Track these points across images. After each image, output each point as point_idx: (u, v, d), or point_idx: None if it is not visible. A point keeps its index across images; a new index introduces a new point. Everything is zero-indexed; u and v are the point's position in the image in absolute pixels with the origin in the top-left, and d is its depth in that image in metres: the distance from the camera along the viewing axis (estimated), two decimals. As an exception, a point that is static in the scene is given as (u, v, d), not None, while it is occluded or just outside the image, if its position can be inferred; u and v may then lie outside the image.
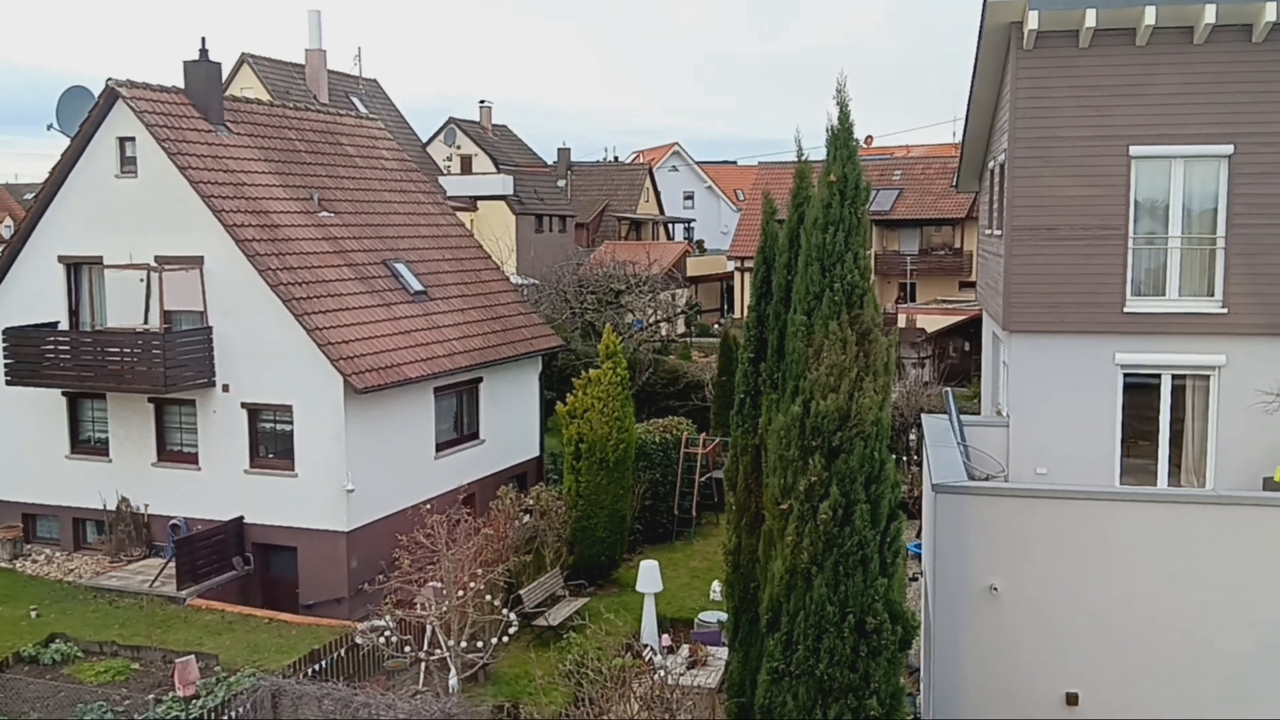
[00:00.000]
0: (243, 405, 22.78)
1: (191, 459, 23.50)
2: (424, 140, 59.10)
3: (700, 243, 73.80)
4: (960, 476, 14.24)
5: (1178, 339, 17.21)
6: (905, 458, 28.10)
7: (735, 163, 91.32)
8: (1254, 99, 16.59)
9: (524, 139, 68.95)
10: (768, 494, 12.66)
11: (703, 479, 27.23)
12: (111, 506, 23.86)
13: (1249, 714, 12.91)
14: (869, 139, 68.38)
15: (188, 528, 22.86)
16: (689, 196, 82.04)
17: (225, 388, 22.85)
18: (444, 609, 17.49)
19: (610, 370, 23.72)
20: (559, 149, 67.07)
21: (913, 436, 27.89)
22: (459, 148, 61.76)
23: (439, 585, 17.73)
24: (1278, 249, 16.70)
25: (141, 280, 23.51)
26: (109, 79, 22.97)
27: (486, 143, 62.56)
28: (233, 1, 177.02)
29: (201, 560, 21.98)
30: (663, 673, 15.42)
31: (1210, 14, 15.93)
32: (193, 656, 17.78)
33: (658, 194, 71.96)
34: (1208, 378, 17.27)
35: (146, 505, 23.75)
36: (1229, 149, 16.74)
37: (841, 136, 12.31)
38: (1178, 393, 17.51)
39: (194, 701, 16.55)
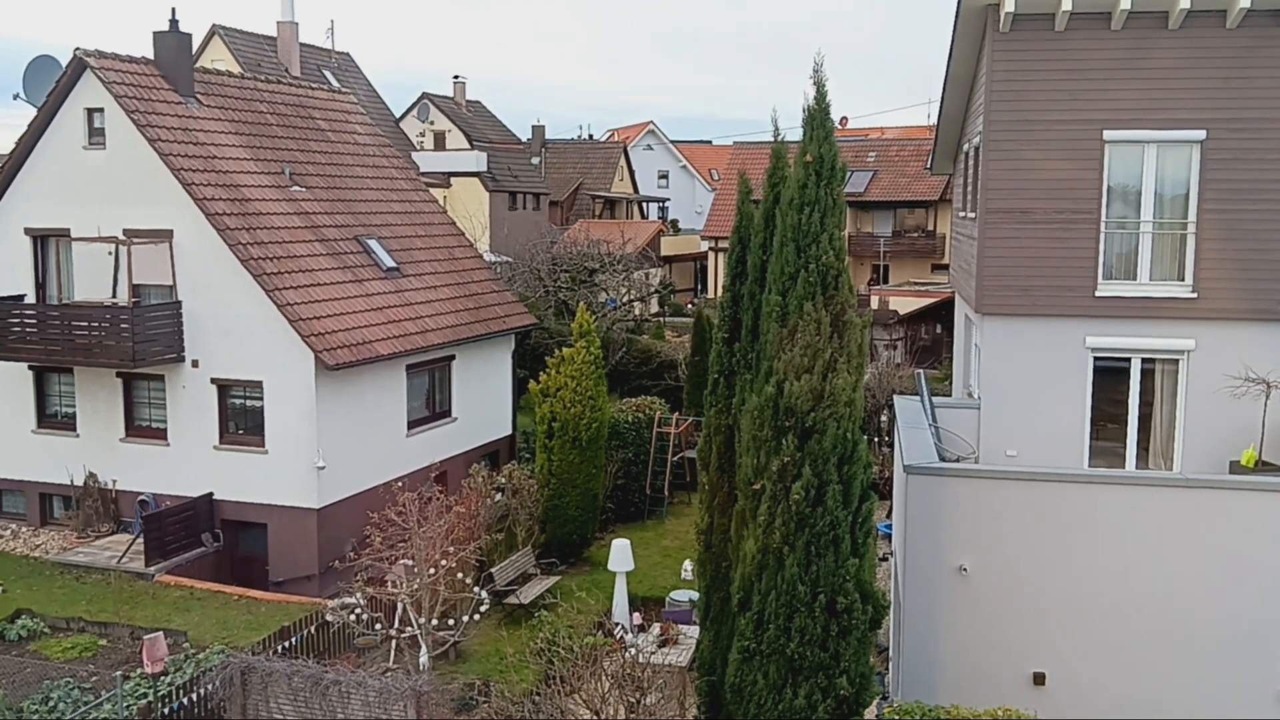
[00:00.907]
0: (212, 381, 22.59)
1: (160, 434, 23.31)
2: (397, 115, 58.60)
3: (675, 222, 73.70)
4: (932, 458, 14.32)
5: (1148, 323, 17.34)
6: (877, 439, 28.24)
7: (710, 142, 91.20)
8: (1227, 85, 16.68)
9: (498, 115, 68.48)
10: (740, 474, 12.69)
11: (675, 458, 27.27)
12: (79, 482, 23.64)
13: (1214, 694, 13.09)
14: (844, 120, 68.41)
15: (156, 504, 22.69)
16: (664, 176, 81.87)
17: (195, 363, 22.64)
18: (415, 587, 17.46)
19: (583, 349, 23.68)
20: (533, 126, 66.77)
21: (884, 418, 28.01)
22: (432, 123, 61.30)
23: (410, 563, 17.69)
24: (1248, 235, 16.84)
25: (110, 253, 23.21)
26: (77, 49, 22.63)
27: (460, 119, 62.13)
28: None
29: (170, 536, 21.83)
30: (634, 651, 15.47)
31: (1185, -1, 15.99)
32: (161, 633, 17.64)
33: (632, 173, 71.78)
34: (1177, 362, 17.42)
35: (114, 481, 23.56)
36: (1201, 134, 16.83)
37: (818, 116, 12.29)
38: (1147, 376, 17.66)
39: (162, 678, 16.45)
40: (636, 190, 72.19)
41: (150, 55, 24.20)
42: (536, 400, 23.82)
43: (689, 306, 55.48)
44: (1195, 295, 17.13)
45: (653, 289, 47.92)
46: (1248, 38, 16.48)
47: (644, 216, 71.31)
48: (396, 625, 18.06)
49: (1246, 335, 16.89)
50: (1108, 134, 17.16)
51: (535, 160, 62.76)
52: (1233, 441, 16.73)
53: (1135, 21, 16.73)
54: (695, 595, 18.26)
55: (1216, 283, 17.03)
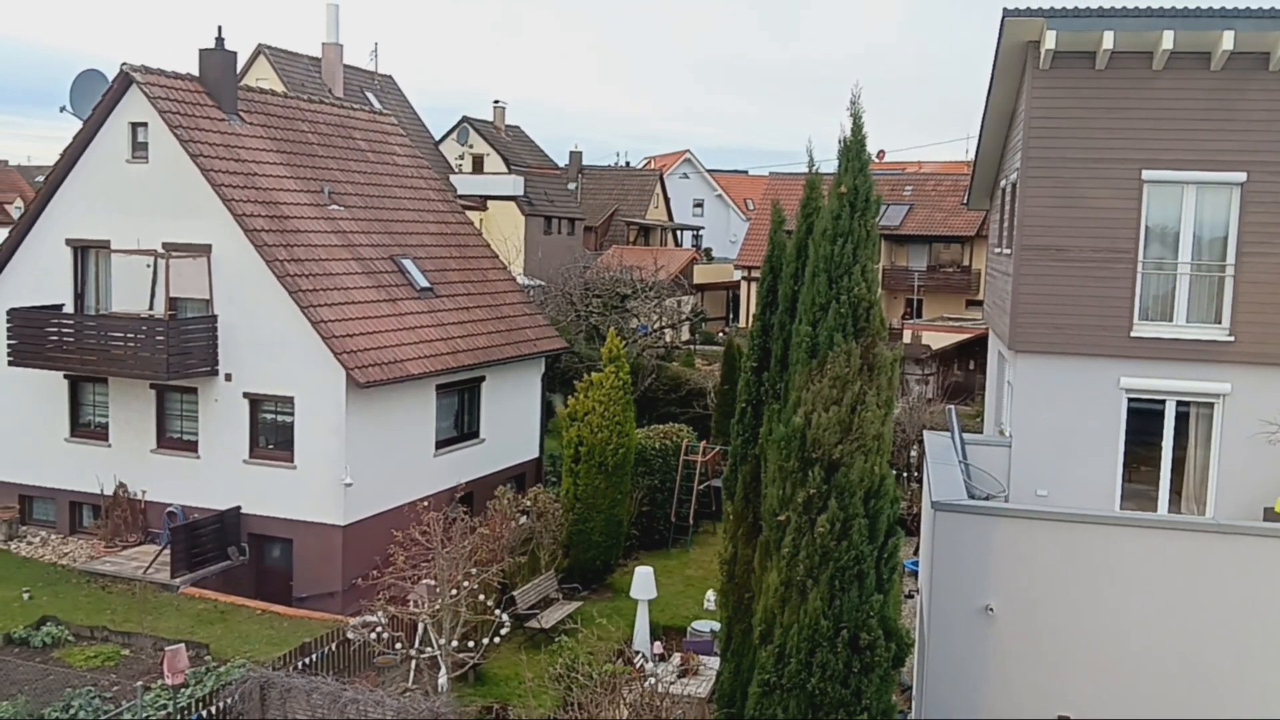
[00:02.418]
0: (244, 395, 22.75)
1: (191, 447, 23.47)
2: (437, 138, 59.10)
3: (708, 251, 73.70)
4: (960, 495, 14.15)
5: (1183, 365, 17.13)
6: (905, 474, 28.02)
7: (746, 172, 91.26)
8: (1269, 127, 16.52)
9: (536, 140, 68.95)
10: (766, 505, 12.59)
11: (701, 487, 27.15)
12: (109, 491, 23.83)
13: (1242, 745, 12.81)
14: (881, 154, 68.29)
15: (184, 515, 22.81)
16: (699, 204, 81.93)
17: (228, 377, 22.82)
18: (437, 607, 17.43)
19: (613, 374, 23.67)
20: (571, 151, 67.02)
21: (914, 453, 27.80)
22: (471, 146, 61.75)
23: (433, 583, 17.67)
24: (1288, 279, 16.62)
25: (148, 266, 23.49)
26: (124, 63, 22.98)
27: (499, 143, 62.56)
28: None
29: (197, 548, 21.94)
30: (653, 680, 15.36)
31: (1228, 41, 15.88)
32: (183, 645, 17.73)
33: (667, 200, 71.90)
34: (1212, 406, 17.19)
35: (144, 491, 23.72)
36: (1242, 177, 16.67)
37: (854, 148, 12.25)
38: (1181, 419, 17.43)
39: (182, 690, 16.50)
40: (671, 218, 72.30)
41: (195, 72, 24.54)
42: (564, 424, 23.80)
43: (720, 335, 55.38)
44: (1232, 339, 16.91)
45: (684, 316, 47.90)
46: (1291, 81, 16.33)
47: (678, 244, 71.37)
48: (417, 645, 18.02)
49: (1284, 381, 16.64)
50: (1146, 174, 17.03)
51: (571, 186, 63.03)
52: (1268, 488, 16.47)
53: (1177, 62, 16.62)
54: (717, 626, 18.12)
55: (1254, 327, 16.81)
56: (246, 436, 22.86)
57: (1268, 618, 12.81)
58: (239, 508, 22.64)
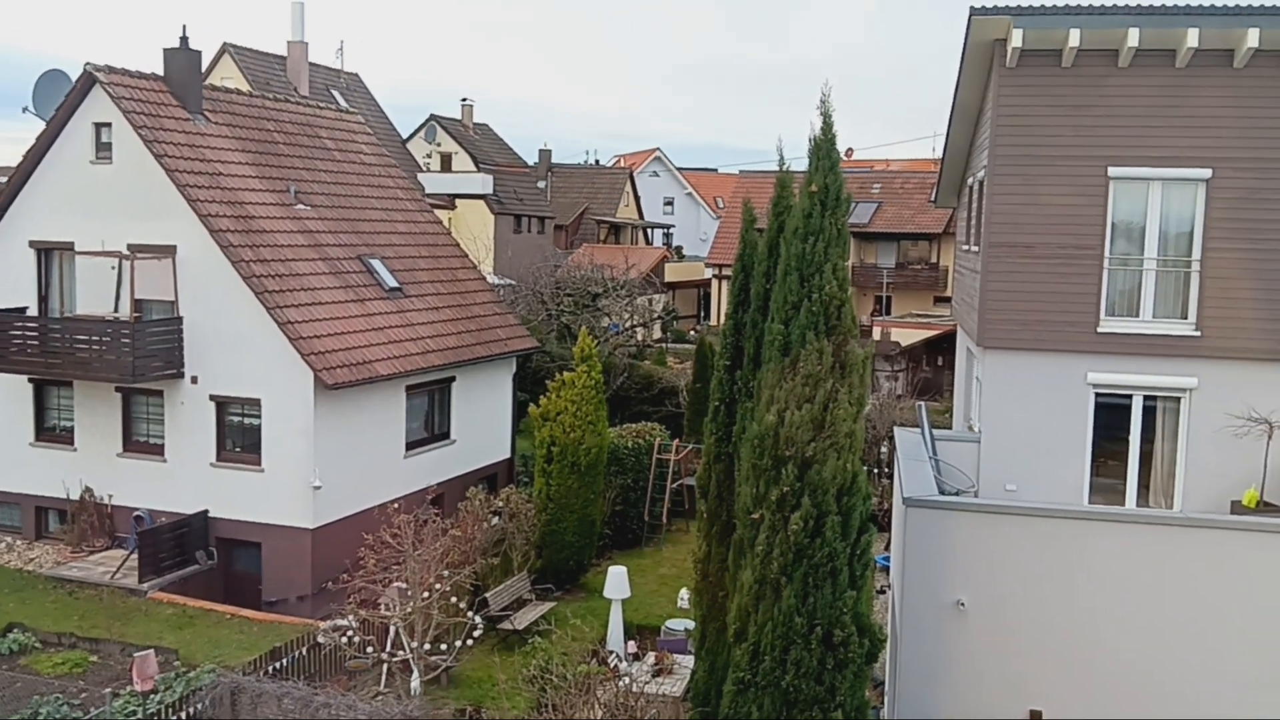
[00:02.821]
0: (211, 397, 22.55)
1: (158, 450, 23.24)
2: (404, 136, 58.80)
3: (679, 249, 73.76)
4: (931, 491, 14.22)
5: (1150, 360, 17.26)
6: (876, 470, 28.13)
7: (716, 170, 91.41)
8: (1234, 124, 16.68)
9: (505, 139, 68.73)
10: (739, 503, 12.61)
11: (674, 486, 27.16)
12: (75, 496, 23.56)
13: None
14: (849, 151, 68.58)
15: (151, 520, 22.58)
16: (669, 202, 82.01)
17: (194, 379, 22.61)
18: (408, 610, 17.34)
19: (584, 373, 23.62)
20: (540, 150, 66.85)
21: (884, 449, 27.92)
22: (439, 145, 61.48)
23: (404, 586, 17.58)
24: (1252, 274, 16.80)
25: (113, 268, 23.23)
26: (87, 63, 22.72)
27: (467, 141, 62.32)
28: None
29: (164, 553, 21.73)
30: (627, 680, 15.34)
31: (1193, 38, 16.01)
32: (152, 651, 17.56)
33: (638, 199, 71.90)
34: (1179, 400, 17.35)
35: (110, 496, 23.47)
36: (1207, 173, 16.82)
37: (824, 147, 12.29)
38: (1148, 414, 17.57)
39: (152, 696, 16.33)
40: (641, 216, 72.30)
41: (160, 72, 24.29)
42: (536, 424, 23.75)
43: (691, 333, 55.44)
44: (1198, 333, 17.07)
45: (656, 315, 47.91)
46: (1255, 78, 16.49)
47: (648, 242, 71.38)
48: (389, 649, 17.93)
49: (1250, 375, 16.81)
50: (1112, 170, 17.15)
51: (541, 184, 62.90)
52: (1234, 481, 16.63)
53: (1142, 59, 16.75)
54: (691, 624, 18.13)
55: (1220, 322, 16.97)
56: (213, 439, 22.66)
57: (1234, 610, 12.95)
58: (207, 511, 22.43)
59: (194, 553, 22.24)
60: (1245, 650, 12.91)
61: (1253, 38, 15.85)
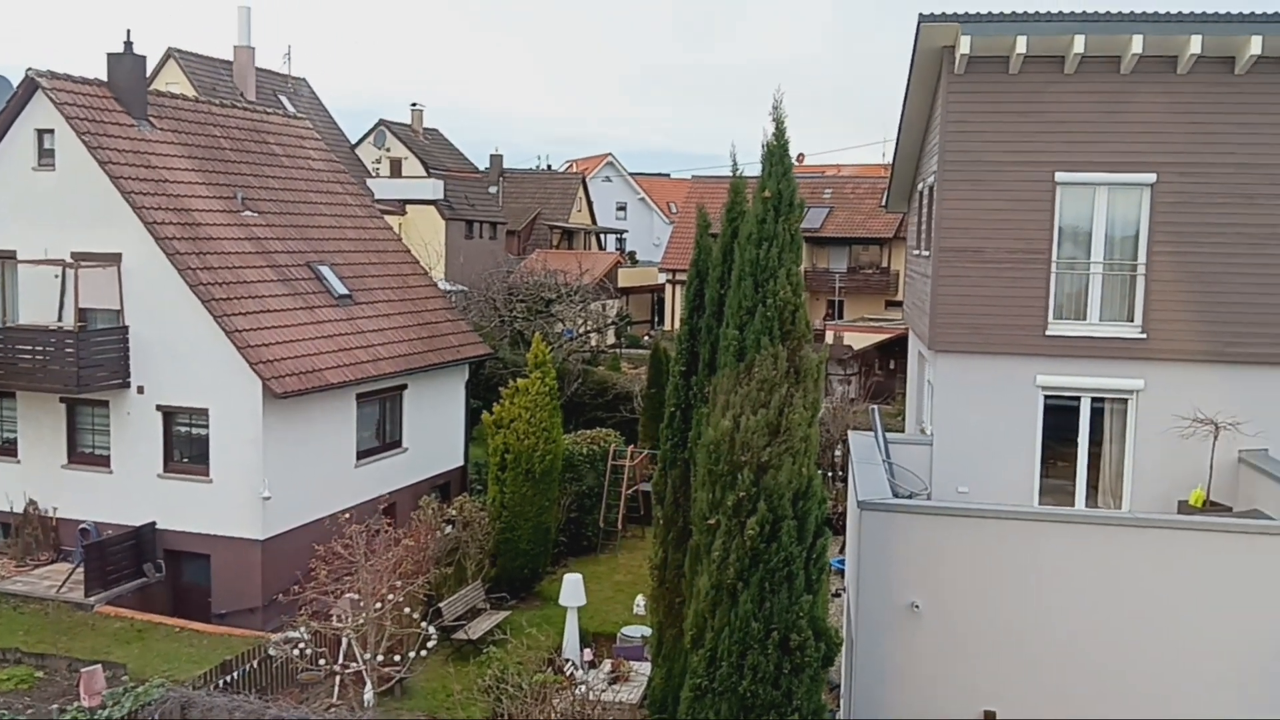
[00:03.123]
0: (158, 408, 22.19)
1: (103, 461, 22.84)
2: (353, 141, 58.30)
3: (632, 254, 73.81)
4: (885, 494, 14.30)
5: (1098, 363, 17.49)
6: (831, 474, 28.27)
7: (669, 175, 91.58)
8: (1178, 129, 16.95)
9: (456, 144, 68.37)
10: (695, 508, 12.60)
11: (629, 492, 27.12)
12: (19, 509, 23.07)
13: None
14: (800, 157, 68.99)
15: (97, 532, 22.18)
16: (622, 207, 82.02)
17: (140, 389, 22.24)
18: (361, 621, 17.15)
19: (538, 380, 23.52)
20: (491, 155, 66.57)
21: (839, 453, 28.07)
22: (388, 150, 61.03)
23: (356, 597, 17.39)
24: (1196, 277, 17.08)
25: (56, 276, 22.80)
26: (29, 69, 22.31)
27: (417, 146, 61.91)
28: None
29: (111, 566, 21.35)
30: (584, 688, 15.29)
31: (1137, 45, 16.26)
32: (99, 665, 17.25)
33: (590, 204, 71.84)
34: (1126, 402, 17.59)
35: (55, 508, 23.02)
36: (1152, 178, 17.08)
37: (777, 153, 12.33)
38: (1097, 415, 17.80)
39: (100, 712, 16.01)
40: (594, 221, 72.25)
41: (104, 77, 23.90)
42: (490, 431, 23.61)
43: (646, 338, 55.45)
44: (1144, 336, 17.32)
45: (609, 320, 47.85)
46: (1198, 83, 16.78)
47: (601, 248, 71.34)
48: (341, 660, 17.72)
49: (1195, 376, 17.08)
50: (1059, 175, 17.36)
51: (493, 189, 62.63)
52: (1181, 481, 16.89)
53: (1088, 66, 16.99)
54: (648, 631, 18.09)
55: (1165, 324, 17.24)
56: (160, 450, 22.30)
57: (1182, 608, 13.14)
58: (154, 523, 22.07)
59: (142, 565, 21.88)
60: (1194, 648, 13.10)
61: (1195, 44, 16.13)
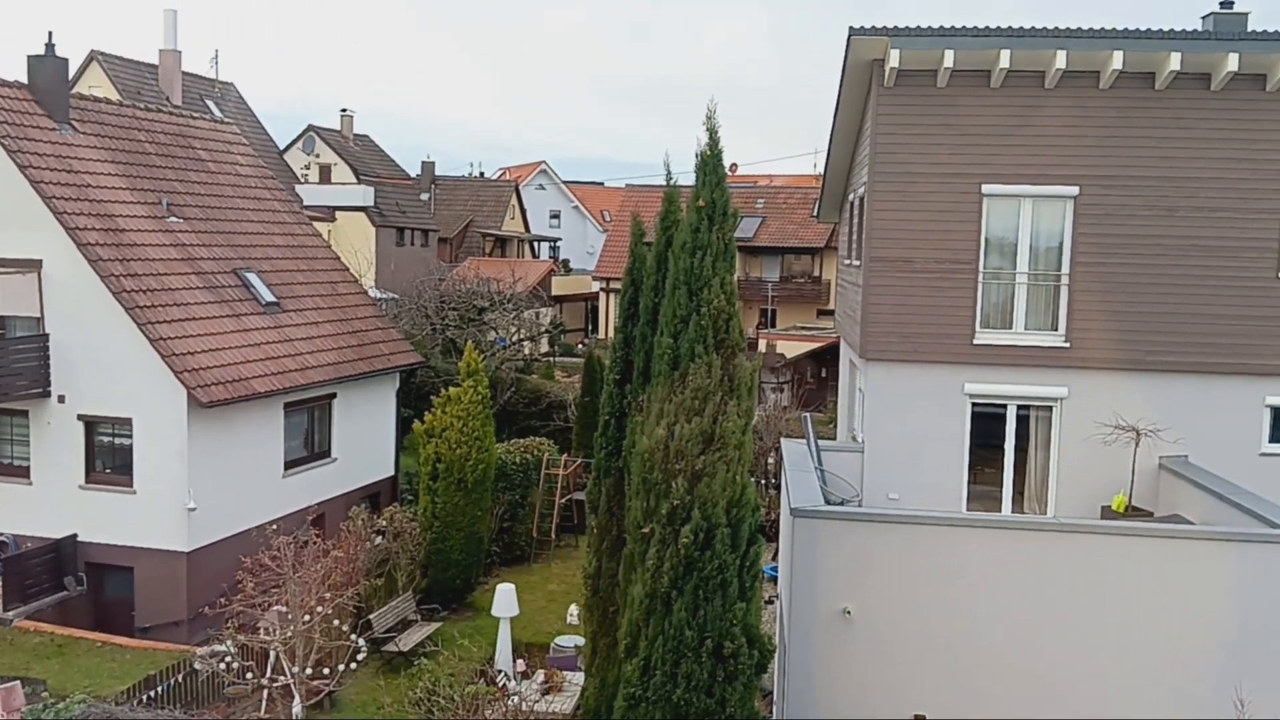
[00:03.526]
0: (79, 417, 21.67)
1: (22, 473, 22.23)
2: (282, 147, 57.52)
3: (566, 262, 73.70)
4: (817, 501, 14.41)
5: (1023, 371, 17.83)
6: (764, 481, 28.43)
7: (603, 184, 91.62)
8: (1100, 143, 17.36)
9: (387, 151, 67.76)
10: (630, 517, 12.59)
11: (563, 501, 27.03)
12: (-70, 522, 22.34)
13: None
14: (734, 167, 69.40)
15: (16, 545, 21.59)
16: (555, 216, 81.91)
17: (61, 398, 21.70)
18: (289, 634, 16.86)
19: (471, 389, 23.37)
20: (423, 162, 65.99)
21: (772, 460, 28.25)
22: (318, 156, 60.31)
23: (284, 609, 17.10)
24: (1117, 287, 17.48)
25: (-29, 283, 22.15)
26: (-58, 68, 21.66)
27: (347, 152, 61.25)
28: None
29: (30, 580, 20.80)
30: (516, 699, 15.19)
31: (1061, 60, 16.62)
32: (18, 682, 16.77)
33: (524, 212, 71.62)
34: (1051, 409, 17.94)
35: (-30, 522, 22.33)
36: (1075, 190, 17.46)
37: (711, 162, 12.40)
38: (1022, 423, 18.13)
39: (16, 732, 15.56)
40: (528, 229, 72.03)
41: (24, 80, 23.34)
42: (421, 440, 23.39)
43: (580, 347, 55.38)
44: (1068, 345, 17.68)
45: (543, 329, 47.73)
46: (1120, 98, 17.20)
47: (535, 256, 71.14)
48: (269, 674, 17.41)
49: (1117, 384, 17.48)
50: (986, 188, 17.68)
51: (424, 196, 62.16)
52: (1104, 487, 17.26)
53: (1014, 80, 17.32)
54: (581, 641, 18.04)
55: (1088, 333, 17.62)
56: (82, 461, 21.77)
57: (1107, 611, 13.41)
58: (75, 536, 21.53)
59: (62, 579, 21.32)
60: (1118, 650, 13.38)
61: (1117, 60, 16.54)
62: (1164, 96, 17.13)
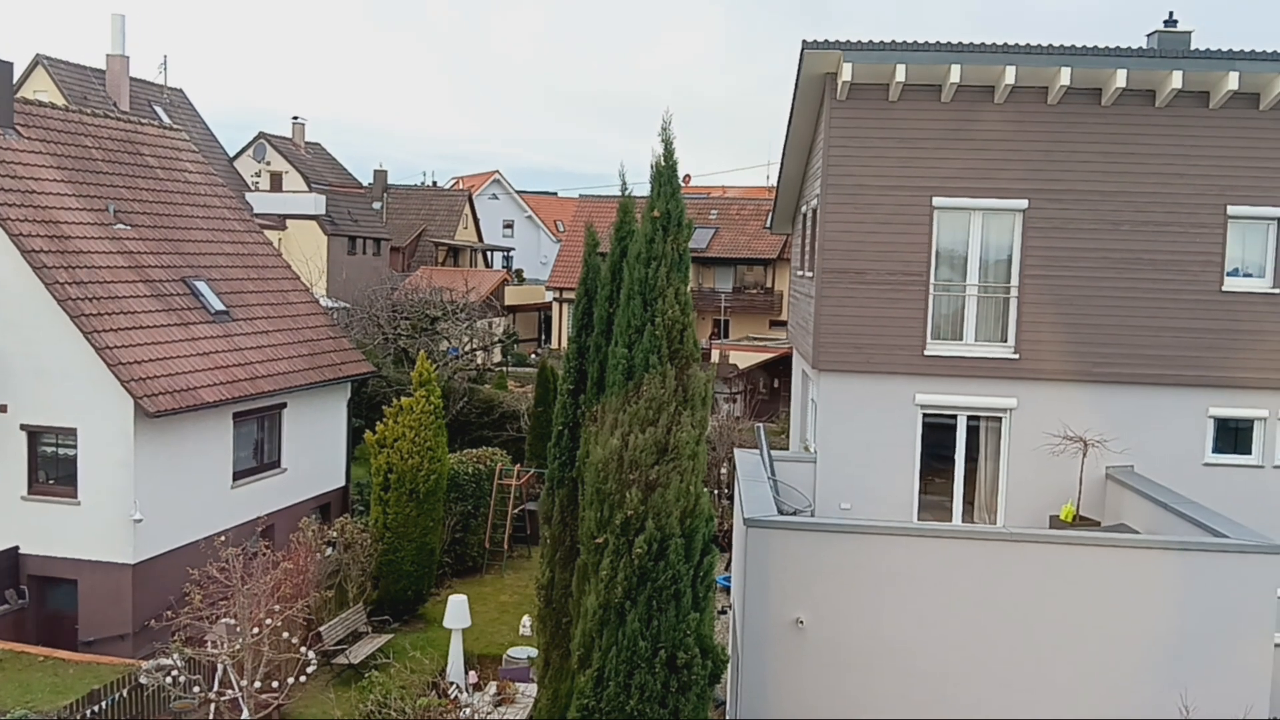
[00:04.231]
0: (22, 427, 21.22)
1: (-40, 484, 21.71)
2: (231, 154, 56.89)
3: (519, 272, 73.48)
4: (770, 511, 14.47)
5: (973, 382, 18.05)
6: (718, 491, 28.49)
7: (556, 194, 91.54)
8: (1048, 157, 17.64)
9: (339, 159, 67.25)
10: (584, 527, 12.54)
11: (516, 511, 26.91)
12: None
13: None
14: (687, 178, 69.64)
15: (-47, 559, 21.06)
16: (509, 225, 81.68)
17: (3, 408, 21.24)
18: (237, 647, 16.62)
19: (423, 398, 23.21)
20: (375, 170, 65.64)
21: (725, 470, 28.31)
22: (268, 164, 59.73)
23: (232, 622, 16.85)
24: (1065, 300, 17.76)
25: (-90, 289, 21.64)
26: (-120, 70, 21.19)
27: (298, 160, 60.72)
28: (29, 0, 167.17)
29: (-33, 594, 20.29)
30: (469, 711, 15.08)
31: (1010, 75, 16.88)
32: (-47, 700, 16.34)
33: (477, 221, 71.36)
34: (1000, 420, 18.16)
35: (-94, 534, 21.79)
36: (1023, 204, 17.73)
37: (666, 173, 12.41)
38: (973, 433, 18.34)
39: (-48, 750, 15.19)
40: (481, 239, 71.77)
41: (-36, 81, 22.87)
42: (372, 451, 23.18)
43: (533, 357, 55.23)
44: (1017, 356, 17.92)
45: (496, 338, 47.54)
46: (1067, 113, 17.50)
47: (488, 265, 70.89)
48: (216, 687, 17.14)
49: (1065, 395, 17.74)
50: (936, 200, 17.90)
51: (376, 205, 61.74)
52: (1052, 497, 17.49)
53: (964, 94, 17.57)
54: (534, 652, 17.94)
55: (1037, 345, 17.87)
56: (25, 471, 21.31)
57: (1054, 620, 13.57)
58: (17, 548, 21.07)
59: (3, 592, 20.85)
60: (1066, 657, 13.54)
61: (1065, 76, 16.83)
62: (1110, 112, 17.45)
